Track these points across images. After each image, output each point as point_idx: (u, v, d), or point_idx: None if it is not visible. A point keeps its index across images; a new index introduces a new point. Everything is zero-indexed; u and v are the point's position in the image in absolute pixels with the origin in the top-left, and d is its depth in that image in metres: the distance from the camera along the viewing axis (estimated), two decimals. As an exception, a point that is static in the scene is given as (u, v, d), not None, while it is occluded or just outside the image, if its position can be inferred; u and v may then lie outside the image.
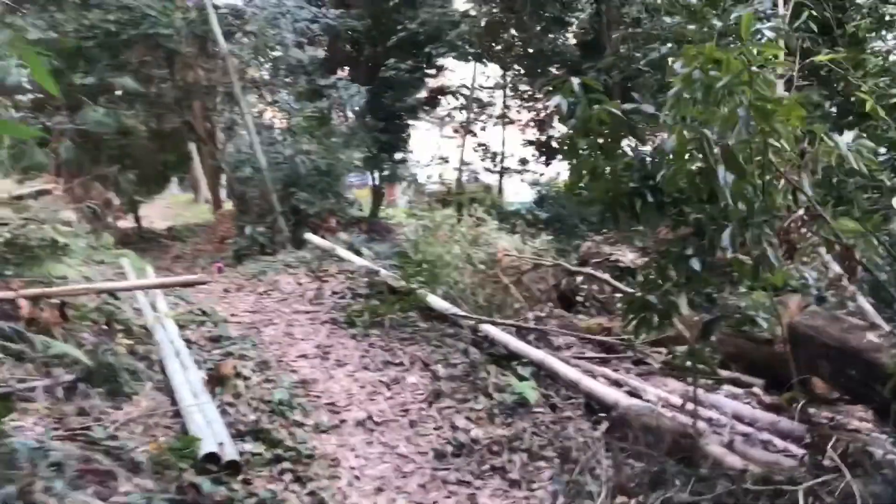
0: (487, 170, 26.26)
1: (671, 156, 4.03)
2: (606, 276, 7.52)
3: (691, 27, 4.67)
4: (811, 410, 4.98)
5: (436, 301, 7.72)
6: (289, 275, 9.67)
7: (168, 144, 24.83)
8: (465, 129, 23.02)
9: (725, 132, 3.37)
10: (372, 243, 11.51)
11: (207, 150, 16.18)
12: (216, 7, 13.02)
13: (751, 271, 4.05)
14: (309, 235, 11.37)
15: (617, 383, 6.39)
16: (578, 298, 8.48)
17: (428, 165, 11.60)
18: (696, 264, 3.82)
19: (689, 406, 4.93)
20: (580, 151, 4.59)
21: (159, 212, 33.33)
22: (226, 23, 13.75)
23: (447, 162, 17.75)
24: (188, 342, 6.85)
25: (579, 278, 8.34)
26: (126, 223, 26.11)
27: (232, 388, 5.80)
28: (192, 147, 22.99)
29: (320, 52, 20.64)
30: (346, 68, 21.18)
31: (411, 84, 21.72)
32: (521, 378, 6.25)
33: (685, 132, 3.46)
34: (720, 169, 3.34)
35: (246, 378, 6.15)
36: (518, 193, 26.94)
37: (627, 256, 8.97)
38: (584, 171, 4.61)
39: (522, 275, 8.14)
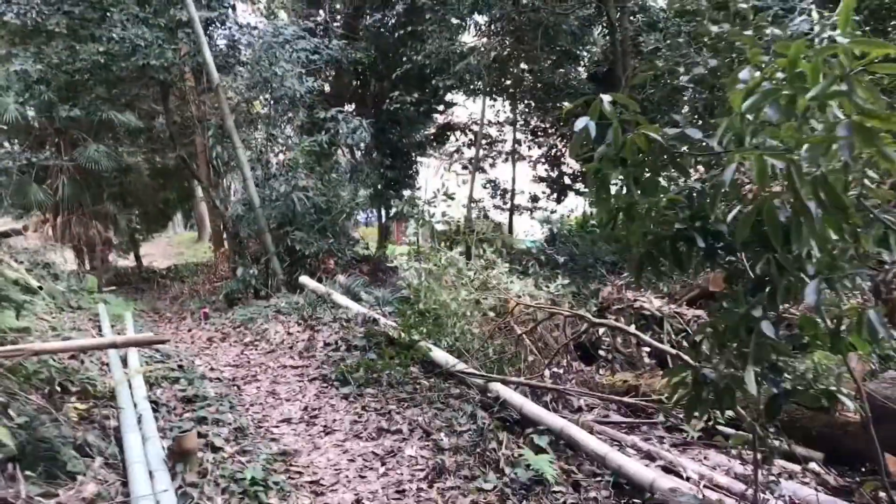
0: (497, 207, 25.55)
1: (729, 190, 3.23)
2: (633, 329, 6.63)
3: (746, 33, 3.89)
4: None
5: (440, 355, 6.85)
6: (279, 323, 8.82)
7: (169, 182, 24.35)
8: (474, 165, 22.32)
9: (815, 158, 2.54)
10: (373, 286, 10.67)
11: (205, 186, 15.44)
12: (210, 37, 12.38)
13: (830, 336, 3.19)
14: (304, 278, 10.55)
15: (650, 456, 5.50)
16: (601, 352, 7.59)
17: (432, 201, 10.82)
18: (768, 329, 2.96)
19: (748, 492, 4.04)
20: (610, 185, 3.79)
21: (162, 250, 32.87)
22: (222, 55, 13.13)
23: (453, 198, 17.05)
24: (156, 404, 6.00)
25: (601, 329, 7.44)
26: (126, 262, 25.59)
27: (197, 463, 4.92)
28: (197, 184, 22.44)
29: (326, 87, 20.11)
30: (353, 105, 20.63)
31: (419, 120, 21.17)
32: (538, 449, 5.36)
33: (766, 159, 2.62)
34: (811, 205, 2.50)
35: (217, 449, 5.29)
36: (528, 232, 26.16)
37: (653, 303, 8.08)
38: (617, 209, 3.80)
39: (537, 324, 7.26)
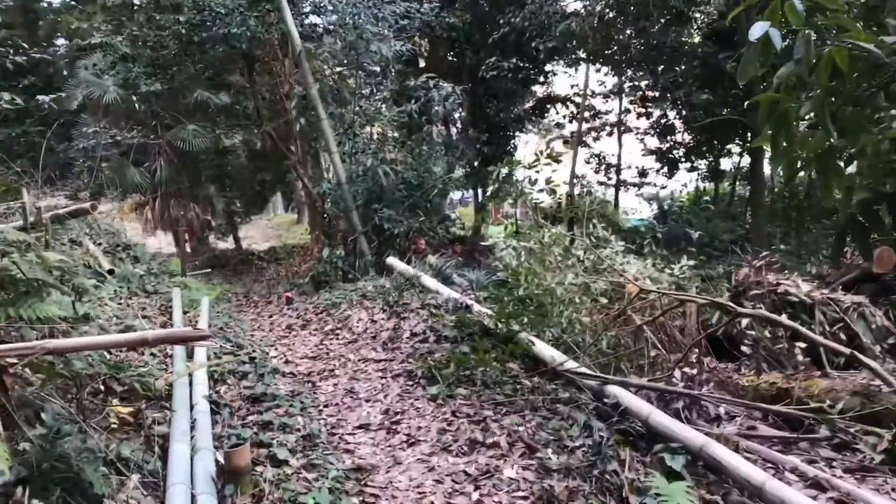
0: (601, 183, 24.12)
1: None
2: (787, 320, 5.32)
3: None
4: None
5: (544, 349, 5.77)
6: (363, 309, 7.94)
7: (265, 164, 24.08)
8: (577, 138, 20.92)
9: None
10: (467, 269, 9.65)
11: (293, 164, 14.76)
12: (293, 3, 11.61)
13: None
14: (391, 260, 9.64)
15: (817, 484, 4.27)
16: (743, 348, 6.31)
17: (533, 164, 9.54)
18: None
19: None
20: (794, 123, 2.62)
21: (262, 232, 33.12)
22: (308, 25, 12.36)
23: (559, 161, 15.70)
24: (216, 405, 5.22)
25: (744, 320, 6.17)
26: (225, 244, 25.74)
27: (251, 483, 4.07)
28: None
29: (421, 63, 19.21)
30: (448, 79, 19.66)
31: (517, 93, 20.07)
32: (671, 473, 4.23)
33: None
34: None
35: (280, 463, 4.42)
36: (635, 210, 24.58)
37: (800, 287, 6.72)
38: (805, 156, 2.65)
39: (662, 313, 6.06)
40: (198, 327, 6.67)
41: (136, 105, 17.35)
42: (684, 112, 19.49)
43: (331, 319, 8.08)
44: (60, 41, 22.98)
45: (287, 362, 6.59)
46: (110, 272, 8.06)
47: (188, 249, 24.01)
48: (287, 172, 25.21)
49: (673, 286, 6.95)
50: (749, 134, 16.65)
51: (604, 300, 6.64)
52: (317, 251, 15.80)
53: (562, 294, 6.13)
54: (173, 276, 10.53)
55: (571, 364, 5.45)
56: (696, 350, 6.35)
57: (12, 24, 19.39)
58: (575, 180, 20.55)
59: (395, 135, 11.29)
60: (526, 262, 6.73)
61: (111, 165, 19.93)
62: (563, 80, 24.29)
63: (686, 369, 5.69)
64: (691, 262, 7.33)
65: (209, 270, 18.86)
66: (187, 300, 8.59)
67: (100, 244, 9.72)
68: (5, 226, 6.69)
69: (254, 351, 6.81)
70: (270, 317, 9.33)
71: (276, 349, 7.15)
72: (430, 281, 8.07)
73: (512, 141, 23.29)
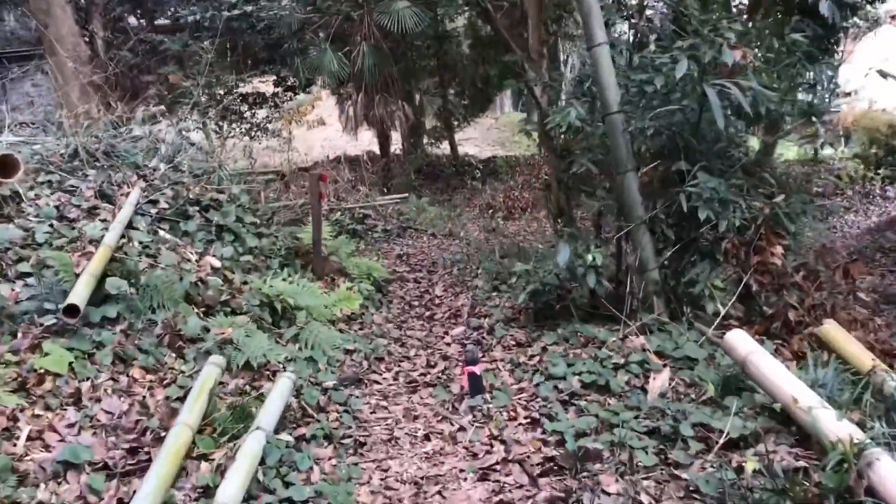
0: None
1: None
2: None
3: None
4: None
5: None
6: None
7: (490, 53, 19.28)
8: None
9: None
10: None
11: (519, 58, 9.20)
12: None
13: None
14: (732, 337, 3.59)
15: None
16: None
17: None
18: None
19: None
20: None
21: (484, 135, 28.60)
22: None
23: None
24: None
25: None
26: (440, 150, 22.03)
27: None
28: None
29: None
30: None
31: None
32: None
33: None
34: None
35: None
36: None
37: None
38: None
39: None
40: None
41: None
42: None
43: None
44: None
45: None
46: (69, 310, 3.44)
47: (402, 151, 20.06)
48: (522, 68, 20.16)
49: None
50: None
51: None
52: (550, 173, 10.25)
53: None
54: (291, 261, 5.76)
55: None
56: None
57: None
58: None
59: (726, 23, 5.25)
60: None
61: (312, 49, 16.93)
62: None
63: None
64: None
65: (405, 195, 14.52)
66: (257, 358, 3.65)
67: (154, 202, 5.20)
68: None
69: None
70: (425, 438, 3.91)
71: None
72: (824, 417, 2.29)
73: (840, 31, 16.52)
